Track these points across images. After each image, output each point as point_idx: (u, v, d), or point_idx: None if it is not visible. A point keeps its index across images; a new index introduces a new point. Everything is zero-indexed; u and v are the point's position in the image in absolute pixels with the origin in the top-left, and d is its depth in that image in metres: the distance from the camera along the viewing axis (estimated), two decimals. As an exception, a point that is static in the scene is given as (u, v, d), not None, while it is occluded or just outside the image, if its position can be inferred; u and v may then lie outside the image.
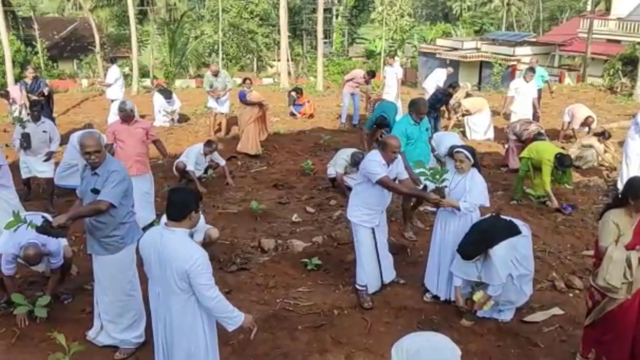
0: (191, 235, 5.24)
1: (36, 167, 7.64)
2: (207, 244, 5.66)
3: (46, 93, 11.35)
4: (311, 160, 9.86)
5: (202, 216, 5.63)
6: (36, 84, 11.37)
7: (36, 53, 27.36)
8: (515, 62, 25.13)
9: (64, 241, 5.11)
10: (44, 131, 7.56)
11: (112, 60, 13.63)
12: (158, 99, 13.33)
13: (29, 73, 11.53)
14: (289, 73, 26.07)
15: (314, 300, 5.39)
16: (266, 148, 11.01)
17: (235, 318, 3.49)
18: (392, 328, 4.96)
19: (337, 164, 8.25)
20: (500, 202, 7.95)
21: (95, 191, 4.23)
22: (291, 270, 6.03)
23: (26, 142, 7.43)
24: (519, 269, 4.89)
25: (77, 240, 6.41)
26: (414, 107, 6.57)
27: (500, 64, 23.78)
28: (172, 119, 13.43)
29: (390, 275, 5.64)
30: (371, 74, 13.32)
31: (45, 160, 7.58)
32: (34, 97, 10.95)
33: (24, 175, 7.79)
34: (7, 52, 17.75)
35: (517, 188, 8.10)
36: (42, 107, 7.59)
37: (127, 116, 6.73)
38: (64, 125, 13.48)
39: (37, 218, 4.50)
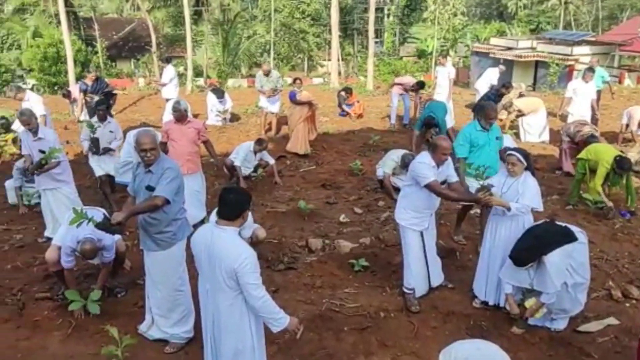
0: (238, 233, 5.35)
1: (104, 166, 7.76)
2: (254, 243, 5.70)
3: (114, 92, 11.87)
4: (360, 161, 9.82)
5: (250, 213, 5.69)
6: (98, 84, 11.59)
7: (96, 53, 28.29)
8: (572, 62, 24.29)
9: (117, 236, 5.26)
10: (111, 131, 7.70)
11: (167, 60, 13.94)
12: (211, 98, 13.57)
13: (90, 75, 11.80)
14: (339, 73, 26.05)
15: (360, 301, 5.35)
16: (315, 148, 11.05)
17: (280, 320, 3.49)
18: (439, 333, 4.88)
19: (386, 165, 8.17)
20: (555, 206, 7.70)
21: (150, 188, 4.32)
22: (338, 271, 6.01)
23: (95, 147, 7.53)
24: (575, 277, 4.70)
25: (130, 235, 6.58)
26: (481, 112, 6.26)
27: (557, 64, 23.02)
28: (224, 118, 13.64)
29: (438, 279, 5.55)
30: (420, 84, 13.11)
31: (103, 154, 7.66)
32: (96, 98, 11.16)
33: (98, 173, 7.77)
34: (69, 51, 18.42)
35: (572, 192, 7.82)
36: (108, 106, 7.67)
37: (181, 116, 6.88)
38: (121, 123, 13.84)
39: (96, 214, 4.65)
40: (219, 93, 13.71)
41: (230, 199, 3.50)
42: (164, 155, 4.55)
